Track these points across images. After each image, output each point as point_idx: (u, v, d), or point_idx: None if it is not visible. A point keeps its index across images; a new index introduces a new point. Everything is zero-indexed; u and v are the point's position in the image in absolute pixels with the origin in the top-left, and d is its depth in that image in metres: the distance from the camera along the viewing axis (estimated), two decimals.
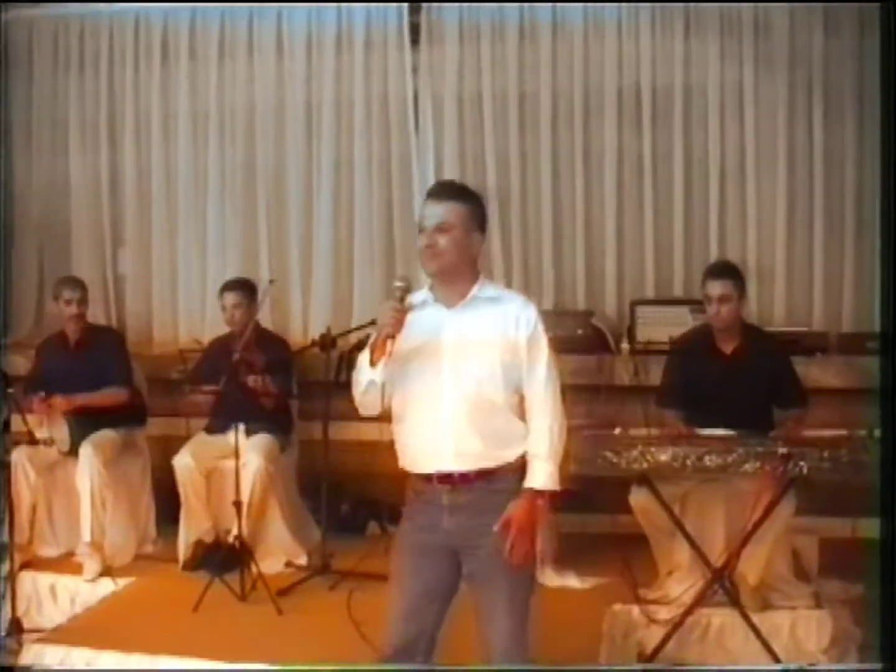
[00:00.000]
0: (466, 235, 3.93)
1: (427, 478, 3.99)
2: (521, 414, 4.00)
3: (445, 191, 4.04)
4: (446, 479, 3.95)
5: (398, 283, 3.88)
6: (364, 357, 3.93)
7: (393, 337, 3.82)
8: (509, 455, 3.96)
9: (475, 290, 3.98)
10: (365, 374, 3.91)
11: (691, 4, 7.16)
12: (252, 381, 6.31)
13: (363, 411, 4.02)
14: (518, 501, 3.90)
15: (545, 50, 7.33)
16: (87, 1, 7.93)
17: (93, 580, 6.37)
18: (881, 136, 5.04)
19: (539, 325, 3.98)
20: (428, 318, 3.97)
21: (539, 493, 3.91)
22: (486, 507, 3.91)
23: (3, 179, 8.18)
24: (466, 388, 3.90)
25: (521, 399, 3.99)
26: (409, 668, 4.04)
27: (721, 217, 7.23)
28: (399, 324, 3.82)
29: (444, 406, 3.91)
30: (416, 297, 4.01)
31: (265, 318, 7.22)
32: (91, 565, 6.44)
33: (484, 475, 3.93)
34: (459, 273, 3.97)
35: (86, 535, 6.47)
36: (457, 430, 3.91)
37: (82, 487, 6.49)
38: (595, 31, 7.28)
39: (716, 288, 5.73)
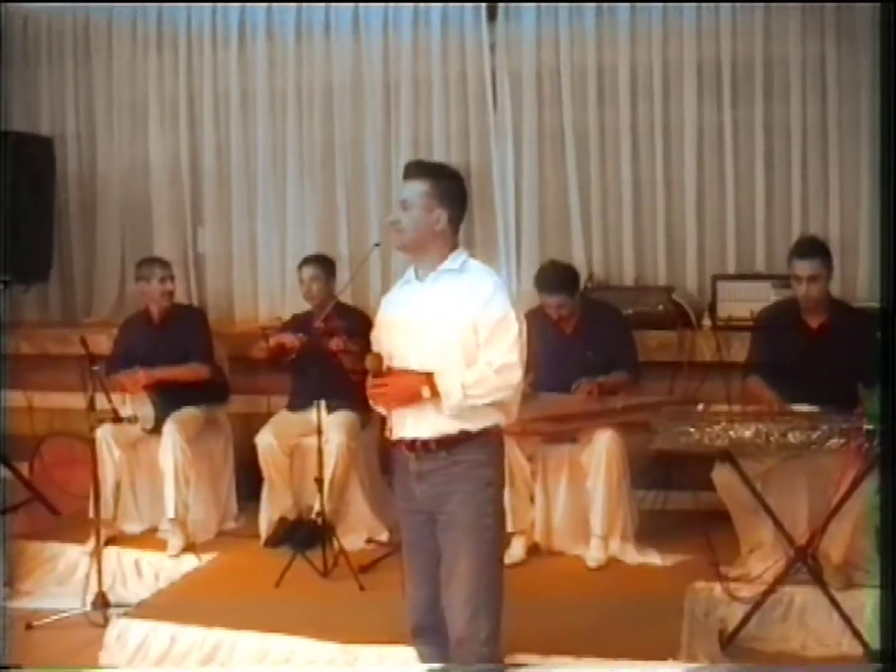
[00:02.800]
0: (427, 212, 4.09)
1: (397, 444, 4.19)
2: None
3: (408, 170, 4.24)
4: (410, 446, 4.12)
5: (367, 362, 4.14)
6: None
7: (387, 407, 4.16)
8: (469, 425, 4.05)
9: (444, 264, 4.12)
10: None
11: None
12: (335, 343, 6.31)
13: None
14: (409, 375, 4.04)
15: (623, 24, 7.25)
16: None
17: (176, 556, 6.47)
18: (881, 137, 5.00)
19: (496, 293, 4.05)
20: (405, 294, 4.22)
21: (430, 379, 3.97)
22: (449, 477, 4.07)
23: (85, 161, 8.32)
24: (426, 358, 4.04)
25: None
26: None
27: (803, 191, 7.12)
28: (383, 397, 4.12)
29: None
30: (401, 281, 4.30)
31: (345, 295, 7.24)
32: (175, 541, 6.54)
33: (444, 443, 4.06)
34: (424, 248, 4.14)
35: (170, 512, 6.55)
36: None
37: (166, 465, 6.57)
38: (674, 5, 7.18)
39: (805, 268, 5.68)
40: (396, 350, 4.13)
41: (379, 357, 4.10)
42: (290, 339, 6.53)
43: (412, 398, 4.00)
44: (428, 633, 4.24)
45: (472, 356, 4.03)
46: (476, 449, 4.07)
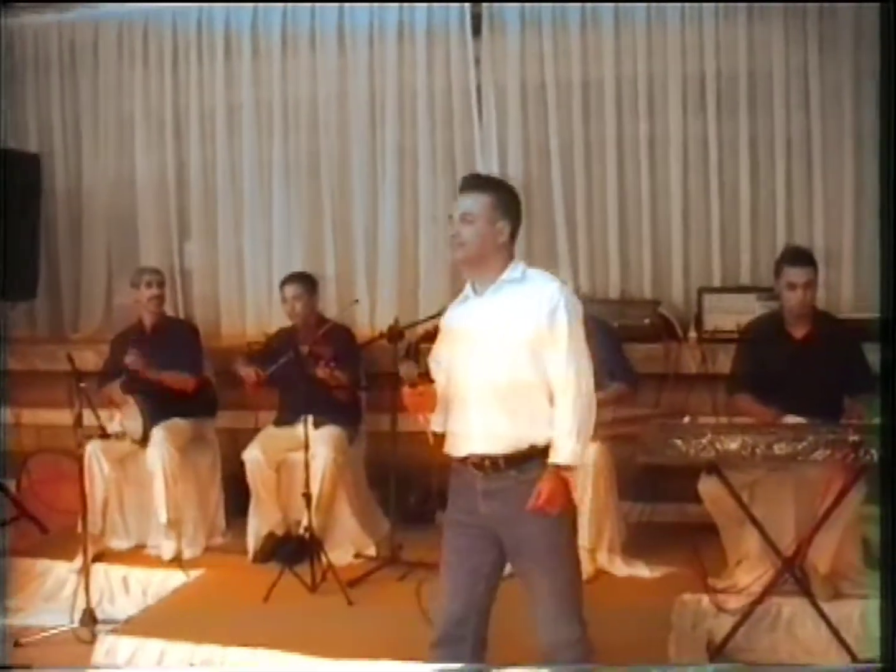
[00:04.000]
0: (490, 225, 4.05)
1: (462, 461, 4.11)
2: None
3: (470, 183, 4.18)
4: (478, 464, 4.05)
5: (402, 371, 4.09)
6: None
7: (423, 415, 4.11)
8: (538, 437, 4.01)
9: (503, 275, 4.08)
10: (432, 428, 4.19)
11: None
12: (322, 372, 6.36)
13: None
14: (544, 480, 3.97)
15: (608, 38, 7.28)
16: (147, 1, 8.03)
17: (172, 560, 6.53)
18: (881, 142, 5.02)
19: (561, 301, 4.01)
20: (464, 309, 4.17)
21: (562, 468, 3.97)
22: (518, 496, 4.00)
23: (71, 176, 8.31)
24: (494, 371, 4.01)
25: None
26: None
27: (788, 203, 7.15)
28: (418, 405, 4.07)
29: (473, 390, 4.04)
30: (461, 296, 4.23)
31: (331, 311, 7.27)
32: (168, 545, 6.62)
33: (513, 461, 4.01)
34: (486, 261, 4.09)
35: (161, 516, 6.61)
36: (484, 413, 4.03)
37: (154, 468, 6.61)
38: (658, 18, 7.21)
39: (801, 275, 5.70)
40: (457, 362, 4.10)
41: (414, 367, 4.07)
42: (248, 373, 6.61)
43: (564, 491, 4.00)
44: (452, 645, 4.17)
45: (540, 363, 4.00)
46: (541, 465, 4.01)
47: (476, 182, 4.19)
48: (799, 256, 5.83)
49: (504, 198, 4.12)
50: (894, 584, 4.36)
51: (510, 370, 3.99)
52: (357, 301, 6.90)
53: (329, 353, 6.44)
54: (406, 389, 4.06)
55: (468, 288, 4.19)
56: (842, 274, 7.05)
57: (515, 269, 4.10)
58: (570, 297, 4.07)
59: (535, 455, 4.01)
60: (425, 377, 4.09)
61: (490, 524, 4.08)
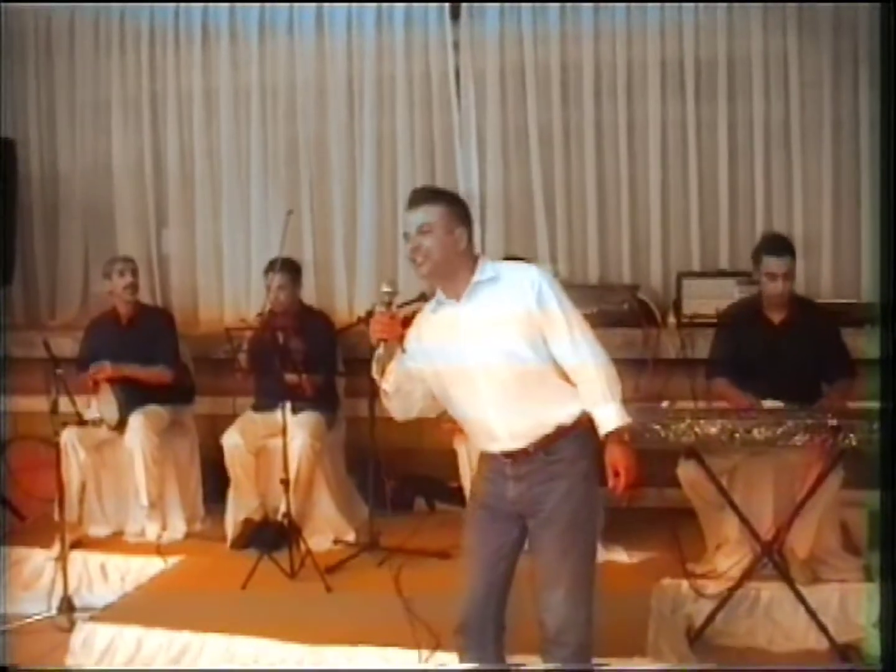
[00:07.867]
0: (448, 233, 4.00)
1: (491, 453, 4.14)
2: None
3: (419, 197, 4.12)
4: (508, 454, 4.06)
5: (385, 289, 4.01)
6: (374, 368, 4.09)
7: (386, 341, 4.00)
8: (563, 417, 4.01)
9: (475, 277, 4.04)
10: (381, 385, 4.13)
11: None
12: (290, 378, 6.31)
13: (396, 416, 4.32)
14: (611, 450, 4.01)
15: (587, 22, 7.28)
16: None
17: (158, 538, 6.60)
18: (881, 137, 5.02)
19: (544, 283, 4.00)
20: (443, 317, 4.10)
21: (618, 433, 4.00)
22: (546, 476, 4.03)
23: (47, 162, 8.26)
24: (497, 370, 3.97)
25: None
26: None
27: (766, 188, 7.17)
28: (388, 328, 3.98)
29: (483, 395, 4.01)
30: (432, 303, 4.16)
31: (309, 297, 7.24)
32: (152, 527, 6.67)
33: (542, 445, 4.01)
34: (452, 268, 4.04)
35: (143, 499, 6.63)
36: (502, 414, 4.01)
37: (134, 451, 6.59)
38: (637, 3, 7.20)
39: (780, 265, 5.68)
40: (457, 374, 4.03)
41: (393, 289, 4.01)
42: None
43: (631, 453, 4.03)
44: (474, 632, 4.17)
45: (541, 348, 3.98)
46: (572, 444, 4.04)
47: (425, 195, 4.15)
48: (778, 246, 5.81)
49: (455, 206, 4.08)
50: (894, 584, 4.37)
51: (515, 365, 3.97)
52: (291, 211, 6.77)
53: (302, 348, 6.39)
54: (380, 309, 3.99)
55: (439, 294, 4.13)
56: (821, 259, 7.07)
57: (486, 269, 4.06)
58: (549, 276, 4.08)
59: (564, 434, 4.03)
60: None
61: (517, 507, 4.10)
